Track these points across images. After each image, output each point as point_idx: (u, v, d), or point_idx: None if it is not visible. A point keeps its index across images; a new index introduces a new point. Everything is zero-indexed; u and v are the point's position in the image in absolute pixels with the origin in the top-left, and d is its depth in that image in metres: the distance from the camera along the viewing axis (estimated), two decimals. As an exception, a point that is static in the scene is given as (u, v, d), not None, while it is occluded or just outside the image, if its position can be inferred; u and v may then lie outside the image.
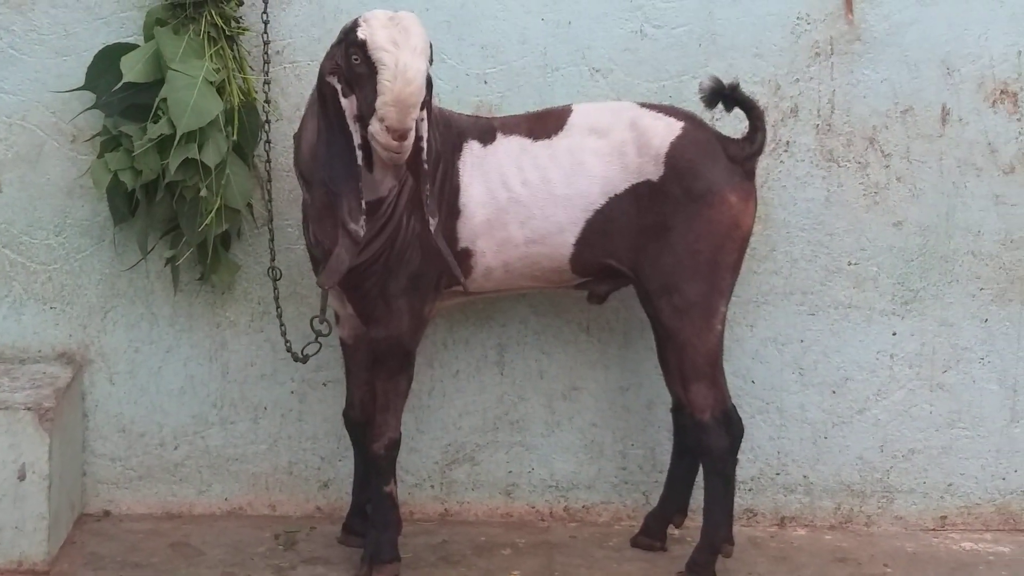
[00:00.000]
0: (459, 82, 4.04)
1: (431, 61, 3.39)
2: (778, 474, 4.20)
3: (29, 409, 3.77)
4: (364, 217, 3.42)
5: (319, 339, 3.85)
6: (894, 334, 4.15)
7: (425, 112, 3.45)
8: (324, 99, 3.47)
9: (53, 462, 3.80)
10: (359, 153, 3.42)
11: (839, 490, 4.20)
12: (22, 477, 3.76)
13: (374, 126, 3.31)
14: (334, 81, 3.42)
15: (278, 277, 3.96)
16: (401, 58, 3.28)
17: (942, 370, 4.17)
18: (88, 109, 3.88)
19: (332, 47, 3.46)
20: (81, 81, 3.88)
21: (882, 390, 4.17)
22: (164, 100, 3.73)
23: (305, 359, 3.93)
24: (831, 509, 4.21)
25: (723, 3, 4.01)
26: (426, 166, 3.47)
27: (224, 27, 3.85)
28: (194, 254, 3.94)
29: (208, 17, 3.82)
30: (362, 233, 3.43)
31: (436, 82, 3.96)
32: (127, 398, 4.16)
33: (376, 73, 3.29)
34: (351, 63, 3.36)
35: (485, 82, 4.05)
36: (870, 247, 4.12)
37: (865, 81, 4.06)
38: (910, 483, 4.20)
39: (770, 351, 4.16)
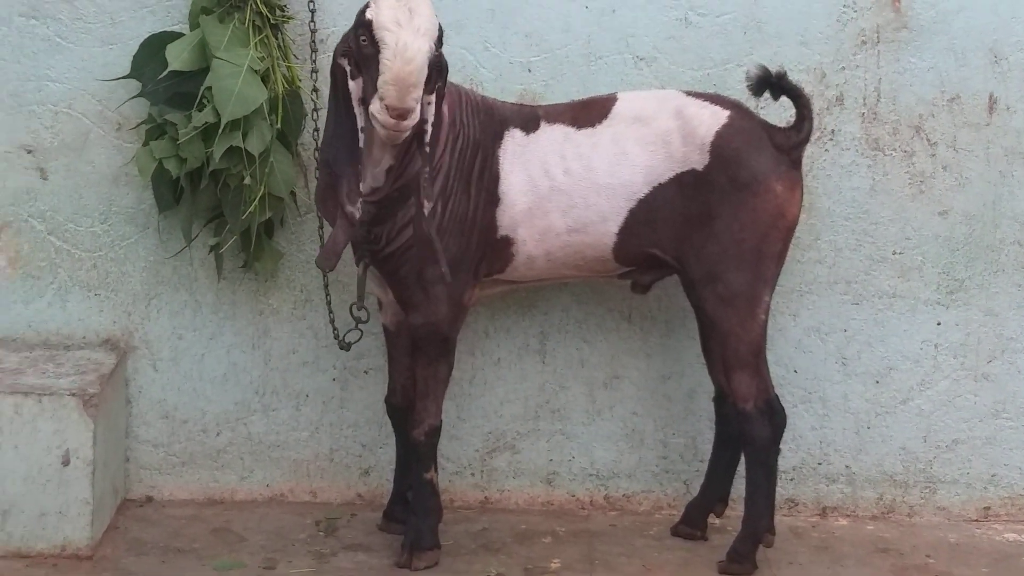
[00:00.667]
0: (503, 70, 4.03)
1: (440, 44, 3.39)
2: (820, 464, 4.18)
3: (74, 395, 3.79)
4: (361, 200, 3.46)
5: (359, 326, 3.86)
6: (939, 324, 4.12)
7: (434, 96, 3.45)
8: (335, 80, 3.51)
9: (97, 448, 3.82)
10: (361, 136, 3.45)
11: (881, 480, 4.18)
12: (66, 463, 3.79)
13: (374, 105, 3.31)
14: (344, 63, 3.45)
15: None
16: (402, 37, 3.29)
17: (987, 360, 4.14)
18: (133, 97, 3.90)
19: (348, 30, 3.48)
20: (127, 70, 3.89)
21: (926, 380, 4.14)
22: (209, 88, 3.74)
23: (348, 347, 3.93)
24: (873, 499, 4.19)
25: (768, -10, 4.01)
26: (428, 149, 3.47)
27: (268, 15, 3.86)
28: (238, 242, 3.95)
29: (253, 5, 3.83)
30: (358, 215, 3.45)
31: (480, 70, 4.00)
32: (170, 384, 4.18)
33: (380, 53, 3.31)
34: (359, 44, 3.39)
35: (529, 70, 4.04)
36: (915, 236, 4.09)
37: (911, 69, 4.02)
38: (953, 473, 4.17)
39: (813, 340, 4.13)
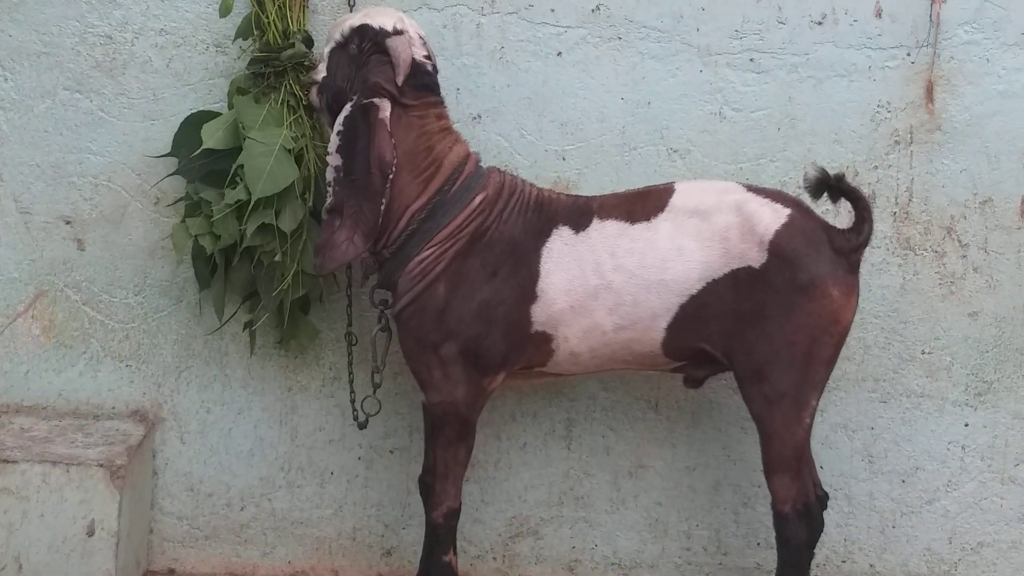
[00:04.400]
0: (537, 157, 4.07)
1: (350, 41, 3.63)
2: (844, 561, 4.16)
3: (101, 466, 3.81)
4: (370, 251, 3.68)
5: (376, 394, 3.86)
6: (966, 425, 4.11)
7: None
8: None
9: (122, 519, 3.83)
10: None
11: (906, 581, 4.17)
12: (91, 533, 3.80)
13: None
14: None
15: (354, 343, 3.99)
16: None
17: (1014, 463, 4.12)
18: (171, 175, 3.94)
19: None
20: (168, 145, 3.94)
21: (952, 481, 4.12)
22: (241, 166, 3.79)
23: (363, 424, 3.93)
24: (897, 600, 4.17)
25: (803, 88, 4.03)
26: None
27: (302, 96, 3.89)
28: (272, 319, 3.97)
29: (287, 87, 3.88)
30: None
31: (515, 157, 4.05)
32: (197, 458, 4.19)
33: None
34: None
35: (563, 158, 4.07)
36: (944, 336, 4.08)
37: (944, 171, 4.04)
38: (978, 577, 4.16)
39: (840, 437, 4.13)
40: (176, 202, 3.98)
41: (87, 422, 4.10)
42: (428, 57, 3.65)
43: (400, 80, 3.58)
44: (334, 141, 3.57)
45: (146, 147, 4.05)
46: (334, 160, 3.56)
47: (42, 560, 3.79)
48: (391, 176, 3.54)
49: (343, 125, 3.56)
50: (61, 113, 4.08)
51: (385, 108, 3.55)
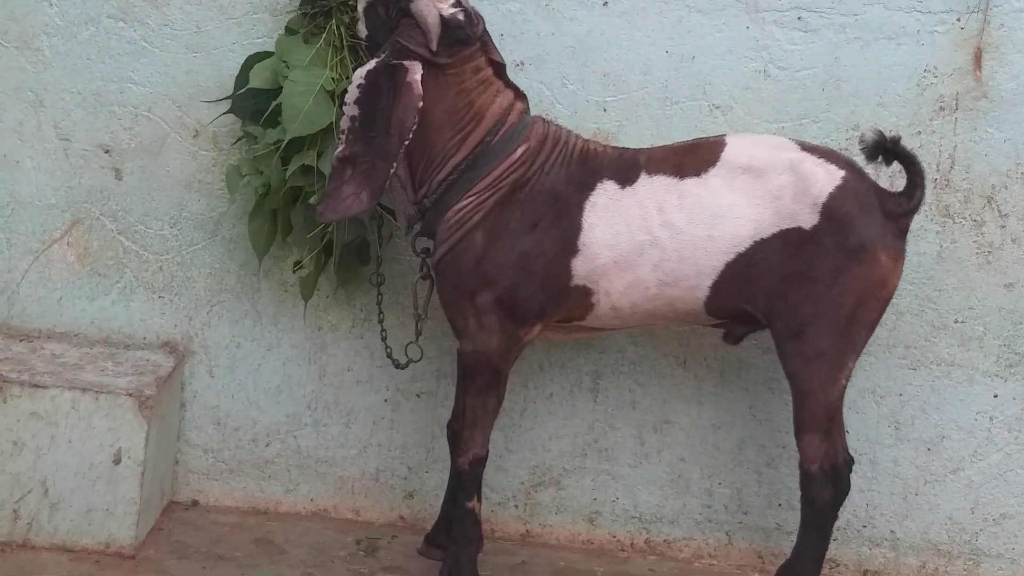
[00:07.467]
0: (579, 107, 4.04)
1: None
2: (865, 526, 4.16)
3: (130, 395, 3.84)
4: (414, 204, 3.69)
5: (419, 341, 3.87)
6: (995, 396, 4.09)
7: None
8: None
9: (149, 449, 3.86)
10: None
11: (926, 548, 4.14)
12: (117, 461, 3.83)
13: None
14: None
15: (381, 283, 4.00)
16: None
17: (1042, 436, 4.11)
18: (223, 113, 3.95)
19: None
20: (209, 78, 3.97)
21: (978, 451, 4.11)
22: (280, 105, 3.78)
23: (405, 365, 3.93)
24: (916, 567, 4.15)
25: (850, 50, 3.99)
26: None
27: (346, 37, 3.85)
28: (316, 260, 3.97)
29: (332, 27, 3.85)
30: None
31: (556, 106, 4.03)
32: (225, 392, 4.21)
33: None
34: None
35: (604, 110, 4.05)
36: (978, 306, 4.06)
37: (988, 139, 4.00)
38: (999, 548, 4.13)
39: (867, 402, 4.11)
40: (238, 141, 4.00)
41: (118, 351, 4.13)
42: (458, 4, 3.58)
43: (434, 45, 3.53)
44: (353, 92, 3.52)
45: (188, 79, 4.05)
46: (351, 111, 3.52)
47: (68, 486, 3.83)
48: (407, 142, 3.50)
49: (365, 79, 3.52)
50: (104, 41, 4.08)
51: (415, 71, 3.50)
